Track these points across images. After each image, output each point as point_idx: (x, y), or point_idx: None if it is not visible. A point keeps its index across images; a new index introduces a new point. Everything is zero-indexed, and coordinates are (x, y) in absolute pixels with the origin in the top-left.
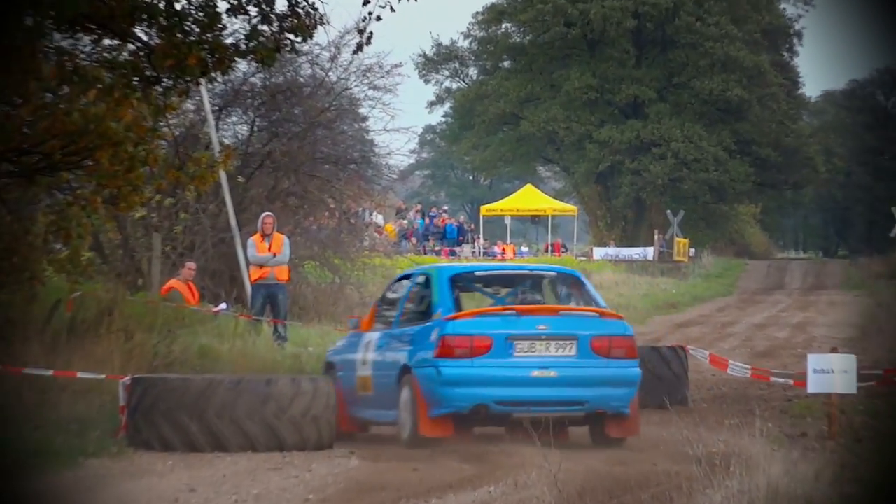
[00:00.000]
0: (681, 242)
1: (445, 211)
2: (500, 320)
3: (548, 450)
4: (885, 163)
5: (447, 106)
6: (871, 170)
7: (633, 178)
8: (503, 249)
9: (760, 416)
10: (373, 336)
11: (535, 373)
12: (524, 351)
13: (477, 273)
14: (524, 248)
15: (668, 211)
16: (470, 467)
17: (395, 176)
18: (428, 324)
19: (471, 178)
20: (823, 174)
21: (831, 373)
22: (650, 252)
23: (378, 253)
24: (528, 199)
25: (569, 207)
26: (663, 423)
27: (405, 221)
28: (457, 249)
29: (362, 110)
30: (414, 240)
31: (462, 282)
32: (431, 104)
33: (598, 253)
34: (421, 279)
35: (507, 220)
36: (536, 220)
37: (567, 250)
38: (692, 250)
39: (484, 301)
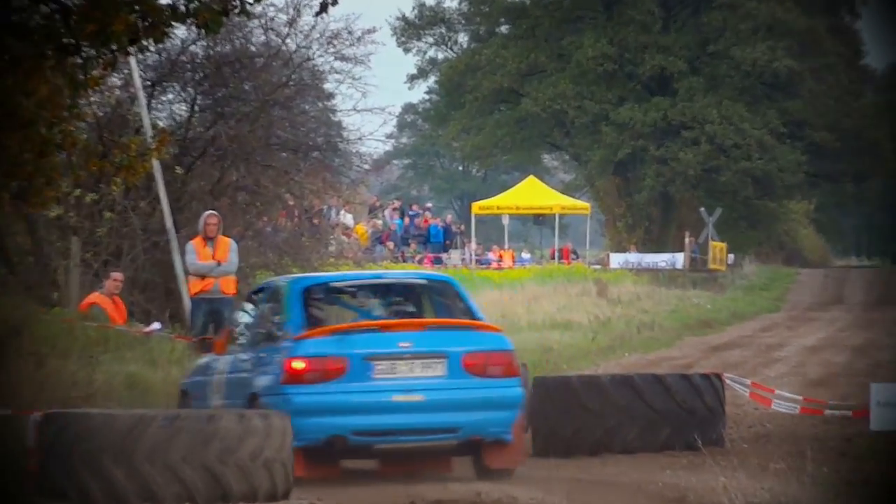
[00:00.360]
0: (717, 247)
1: (429, 209)
2: (356, 338)
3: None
4: None
5: (431, 80)
6: None
7: (659, 168)
8: (500, 256)
9: (813, 459)
10: (226, 360)
11: (398, 397)
12: (385, 372)
13: (333, 284)
14: (525, 255)
15: (702, 209)
16: None
17: (367, 166)
18: (275, 345)
19: (460, 168)
20: (892, 163)
21: None
22: (680, 259)
23: (347, 260)
24: (531, 194)
25: (580, 205)
26: (694, 468)
27: (380, 222)
28: (443, 256)
29: (327, 86)
30: (391, 244)
31: (316, 295)
32: (412, 78)
33: (616, 260)
34: (273, 293)
35: (505, 221)
36: (541, 220)
37: (578, 257)
38: (731, 257)
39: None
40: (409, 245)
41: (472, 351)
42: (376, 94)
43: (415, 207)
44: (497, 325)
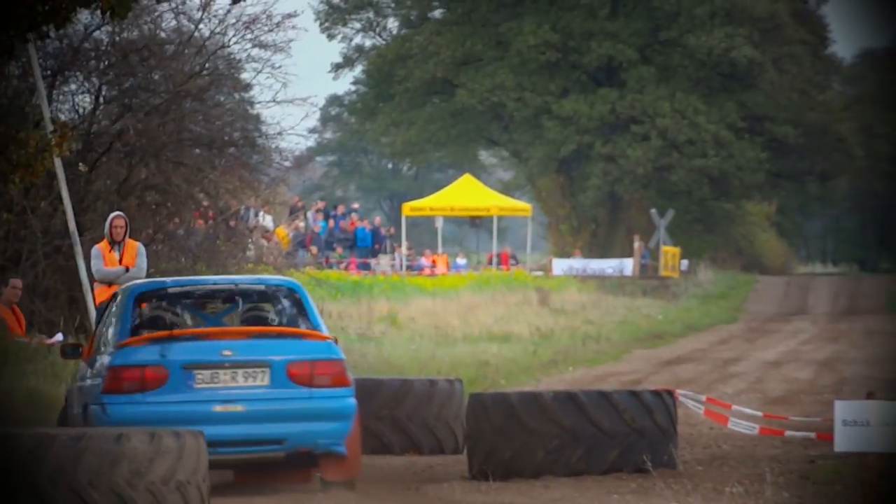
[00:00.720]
0: (669, 252)
1: (356, 210)
2: (177, 346)
3: None
4: None
5: (358, 70)
6: None
7: (607, 166)
8: (433, 261)
9: (773, 483)
10: (83, 366)
11: (218, 407)
12: (206, 382)
13: (170, 290)
14: (461, 260)
15: (653, 210)
16: None
17: (288, 163)
18: (105, 353)
19: (390, 166)
20: (860, 161)
21: (867, 425)
22: (629, 265)
23: (266, 265)
24: (467, 194)
25: (521, 205)
26: (644, 492)
27: (302, 224)
28: (371, 261)
29: (244, 76)
30: (314, 248)
31: (153, 301)
32: (337, 68)
33: (560, 266)
34: (116, 298)
35: (439, 223)
36: (477, 222)
37: (518, 263)
38: (685, 263)
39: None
40: (334, 249)
41: (298, 360)
42: (298, 84)
43: (340, 209)
44: (330, 334)
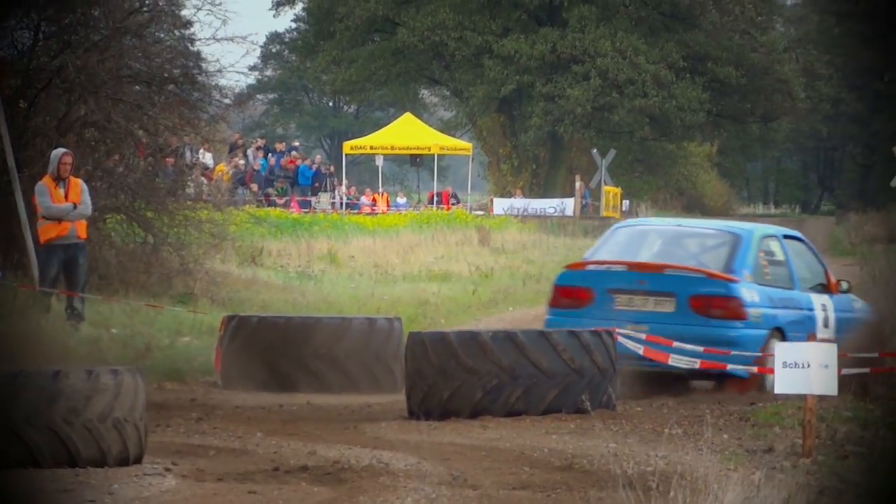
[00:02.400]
0: (610, 192)
1: (296, 148)
2: (605, 275)
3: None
4: (885, 88)
5: (299, 7)
6: (868, 97)
7: (547, 105)
8: (373, 200)
9: (713, 425)
10: None
11: (630, 326)
12: (623, 305)
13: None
14: (401, 199)
15: (594, 150)
16: (325, 489)
17: (228, 101)
18: None
19: (330, 104)
20: (803, 102)
21: (807, 367)
22: (569, 205)
23: (205, 203)
24: (407, 133)
25: (461, 145)
26: (582, 432)
27: (242, 162)
28: (312, 199)
29: (184, 13)
30: (254, 186)
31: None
32: (278, 5)
33: (501, 206)
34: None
35: (380, 162)
36: (418, 161)
37: (458, 202)
38: (626, 203)
39: None
40: (274, 187)
41: (698, 294)
42: (238, 21)
43: (281, 146)
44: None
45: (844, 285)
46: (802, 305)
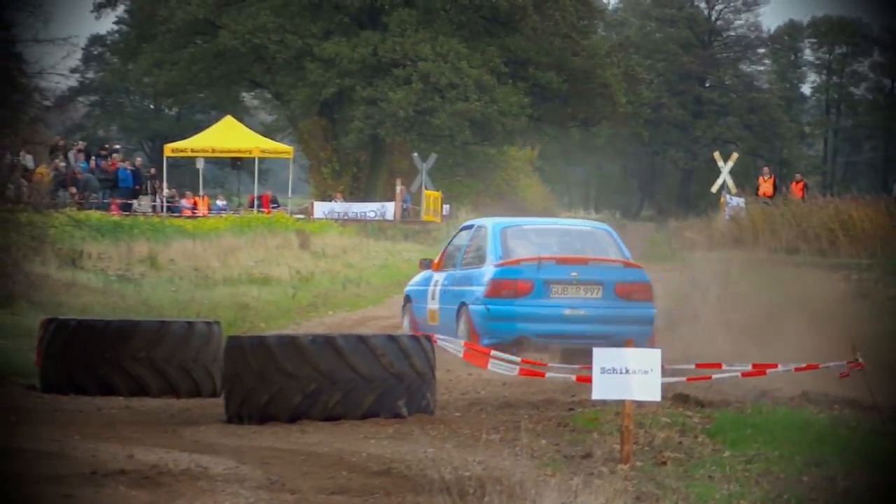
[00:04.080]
0: (431, 196)
1: (118, 150)
2: (540, 267)
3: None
4: (706, 94)
5: (121, 9)
6: (690, 103)
7: (368, 109)
8: (194, 203)
9: (530, 430)
10: None
11: (567, 311)
12: (559, 294)
13: (524, 227)
14: (221, 202)
15: (415, 154)
16: (143, 493)
17: (49, 103)
18: (472, 268)
19: (152, 106)
20: (624, 107)
21: (625, 373)
22: (390, 209)
23: (25, 206)
24: (228, 135)
25: (282, 148)
26: (401, 437)
27: (63, 164)
28: (133, 202)
29: (5, 14)
30: (74, 189)
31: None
32: (100, 7)
33: (321, 209)
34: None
35: (200, 164)
36: (239, 164)
37: (279, 206)
38: (447, 207)
39: None
40: (94, 190)
41: (622, 281)
42: (60, 23)
43: (102, 149)
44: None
45: None
46: None
